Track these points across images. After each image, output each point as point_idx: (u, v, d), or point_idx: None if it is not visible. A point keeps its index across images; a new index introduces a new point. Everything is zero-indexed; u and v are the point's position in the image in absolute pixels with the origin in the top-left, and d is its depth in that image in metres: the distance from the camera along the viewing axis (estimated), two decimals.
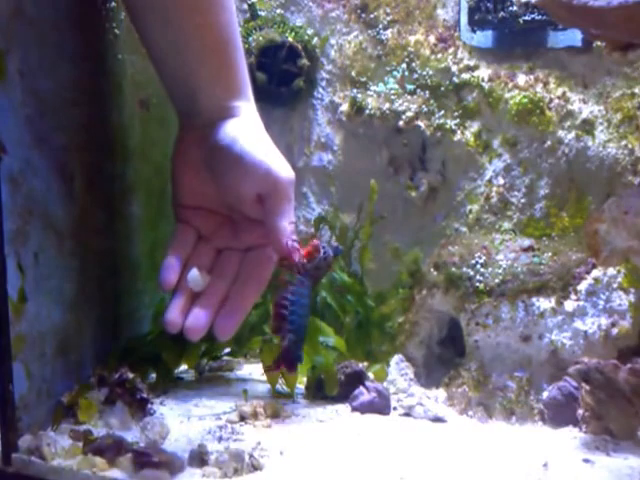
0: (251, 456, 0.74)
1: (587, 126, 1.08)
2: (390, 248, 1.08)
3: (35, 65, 0.81)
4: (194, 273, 0.75)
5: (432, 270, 0.97)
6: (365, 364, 0.99)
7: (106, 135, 0.97)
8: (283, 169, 0.75)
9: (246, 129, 0.80)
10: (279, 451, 0.77)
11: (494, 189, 1.14)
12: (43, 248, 0.83)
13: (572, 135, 1.09)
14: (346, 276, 1.08)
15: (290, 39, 1.15)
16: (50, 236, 0.84)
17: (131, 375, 0.86)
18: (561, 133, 1.10)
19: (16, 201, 0.78)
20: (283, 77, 1.18)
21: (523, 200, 1.13)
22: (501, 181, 1.14)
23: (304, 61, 1.16)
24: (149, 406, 0.86)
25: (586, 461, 0.76)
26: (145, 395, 0.85)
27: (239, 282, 0.78)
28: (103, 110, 0.96)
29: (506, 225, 1.12)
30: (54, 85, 0.85)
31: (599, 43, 1.01)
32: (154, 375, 0.98)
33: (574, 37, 1.10)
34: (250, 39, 1.16)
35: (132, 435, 0.80)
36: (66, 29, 0.87)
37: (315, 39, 1.19)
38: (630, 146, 1.05)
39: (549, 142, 1.11)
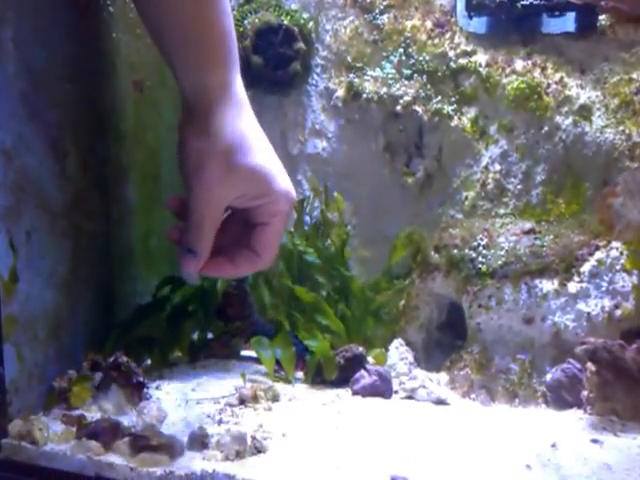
0: (254, 438, 0.72)
1: (584, 111, 1.08)
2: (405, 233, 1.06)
3: (29, 37, 0.79)
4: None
5: (433, 253, 0.96)
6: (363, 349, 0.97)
7: (100, 115, 0.95)
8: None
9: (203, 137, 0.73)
10: (282, 433, 0.75)
11: (490, 175, 1.13)
12: (35, 227, 0.81)
13: (569, 121, 1.09)
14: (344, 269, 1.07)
15: (286, 22, 1.14)
16: (43, 215, 0.82)
17: (126, 359, 0.84)
18: (558, 119, 1.09)
19: (8, 176, 0.76)
20: (279, 60, 1.17)
21: (519, 186, 1.12)
22: (497, 167, 1.13)
23: (300, 44, 1.14)
24: (145, 390, 0.84)
25: (594, 441, 0.75)
26: (141, 379, 0.83)
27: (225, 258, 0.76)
28: (97, 89, 0.94)
29: (502, 212, 1.11)
30: (48, 59, 0.83)
31: (604, 21, 1.01)
32: (149, 362, 0.96)
33: (568, 23, 1.10)
34: (245, 22, 1.14)
35: (128, 420, 0.77)
36: (60, 3, 0.85)
37: (310, 23, 1.18)
38: (627, 131, 1.05)
39: (546, 128, 1.10)
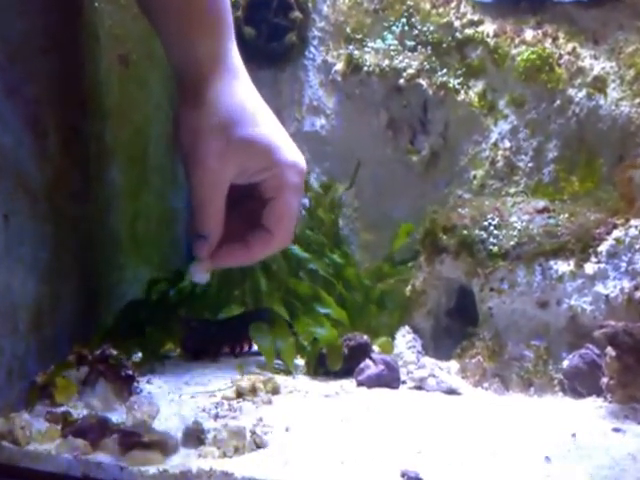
0: (253, 433, 0.67)
1: (599, 83, 1.04)
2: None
3: (5, 5, 0.74)
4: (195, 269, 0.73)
5: (441, 234, 0.92)
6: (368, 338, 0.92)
7: (82, 90, 0.89)
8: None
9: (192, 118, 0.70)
10: (284, 427, 0.71)
11: (500, 153, 1.09)
12: (14, 210, 0.75)
13: (583, 93, 1.05)
14: (339, 257, 1.03)
15: None
16: (22, 197, 0.77)
17: (114, 351, 0.79)
18: (571, 91, 1.05)
19: None
20: (273, 32, 1.12)
21: (530, 164, 1.08)
22: (507, 144, 1.09)
23: (296, 13, 1.09)
24: (135, 385, 0.79)
25: (617, 430, 0.71)
26: (131, 372, 0.78)
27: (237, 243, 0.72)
28: (78, 63, 0.89)
29: (513, 191, 1.07)
30: (25, 30, 0.77)
31: None
32: (139, 355, 0.91)
33: None
34: None
35: (117, 416, 0.72)
36: None
37: None
38: None
39: (558, 101, 1.06)
